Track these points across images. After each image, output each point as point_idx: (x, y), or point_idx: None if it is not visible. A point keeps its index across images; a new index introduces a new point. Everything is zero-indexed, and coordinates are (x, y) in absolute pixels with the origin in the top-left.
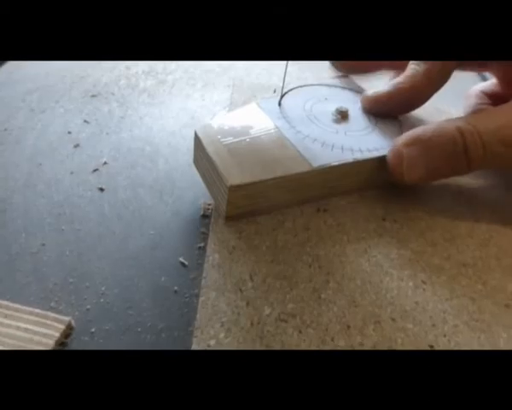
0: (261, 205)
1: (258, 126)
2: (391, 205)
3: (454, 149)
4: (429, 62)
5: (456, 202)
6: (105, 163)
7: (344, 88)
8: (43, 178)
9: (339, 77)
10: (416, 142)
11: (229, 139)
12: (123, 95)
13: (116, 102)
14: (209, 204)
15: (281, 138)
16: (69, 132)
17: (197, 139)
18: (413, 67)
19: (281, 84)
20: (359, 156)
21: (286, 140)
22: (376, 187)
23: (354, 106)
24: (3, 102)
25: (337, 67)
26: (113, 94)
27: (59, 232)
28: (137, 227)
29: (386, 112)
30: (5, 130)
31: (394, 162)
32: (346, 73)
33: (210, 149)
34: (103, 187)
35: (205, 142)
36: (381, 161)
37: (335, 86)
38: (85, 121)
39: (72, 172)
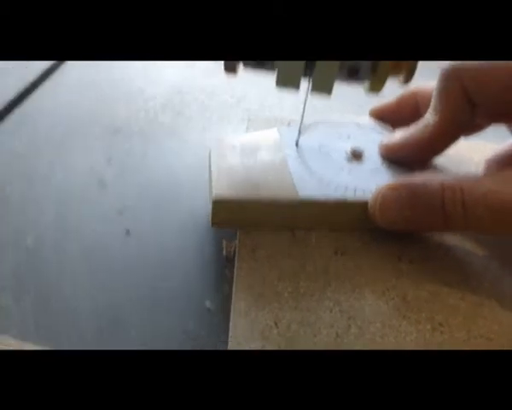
0: (246, 221)
1: (267, 150)
2: (405, 245)
3: (431, 203)
4: (442, 115)
5: (467, 239)
6: (130, 205)
7: (373, 129)
8: (71, 222)
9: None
10: (398, 187)
11: (236, 157)
12: (143, 130)
13: (137, 137)
14: (231, 245)
15: (282, 165)
16: (93, 171)
17: (210, 152)
18: (427, 116)
19: (294, 117)
20: (350, 196)
21: (286, 168)
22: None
23: (375, 148)
24: (28, 139)
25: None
26: (134, 130)
27: (91, 278)
28: (164, 271)
29: (400, 160)
30: (32, 167)
31: (371, 202)
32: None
33: (214, 163)
34: (129, 230)
35: (213, 155)
36: None
37: (364, 126)
38: (108, 159)
39: (99, 215)
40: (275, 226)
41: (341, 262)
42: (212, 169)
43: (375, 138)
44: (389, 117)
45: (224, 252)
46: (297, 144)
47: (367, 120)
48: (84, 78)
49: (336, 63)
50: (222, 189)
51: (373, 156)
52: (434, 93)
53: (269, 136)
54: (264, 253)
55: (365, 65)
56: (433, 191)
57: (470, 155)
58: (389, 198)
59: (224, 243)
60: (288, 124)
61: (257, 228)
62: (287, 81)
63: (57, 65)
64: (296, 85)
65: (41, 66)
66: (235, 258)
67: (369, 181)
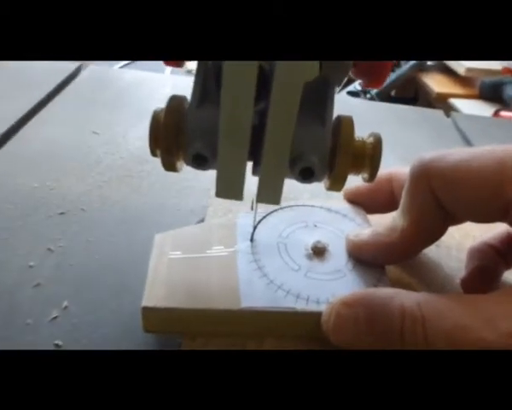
0: (185, 329)
1: (217, 245)
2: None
3: (389, 330)
4: (410, 219)
5: None
6: (65, 307)
7: (345, 216)
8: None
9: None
10: (354, 304)
11: (178, 254)
12: (93, 210)
13: (85, 220)
14: None
15: (229, 265)
16: (31, 266)
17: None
18: (395, 218)
19: None
20: (300, 307)
21: (234, 268)
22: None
23: (342, 241)
24: None
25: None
26: (82, 210)
27: None
28: None
29: (367, 259)
30: None
31: (324, 318)
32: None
33: (152, 262)
34: (60, 343)
35: (153, 252)
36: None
37: (337, 212)
38: (49, 249)
39: (28, 324)
40: (219, 335)
41: None
42: (148, 274)
43: (345, 228)
44: (363, 201)
45: None
46: (252, 239)
47: (339, 204)
48: (38, 148)
49: (285, 169)
50: (151, 298)
51: (338, 252)
52: (403, 193)
53: (223, 226)
54: None
55: (319, 166)
56: (390, 319)
57: (451, 230)
58: (344, 317)
59: None
60: (252, 202)
61: (202, 336)
62: (227, 192)
63: (8, 135)
64: (238, 197)
65: None
66: None
67: (326, 287)
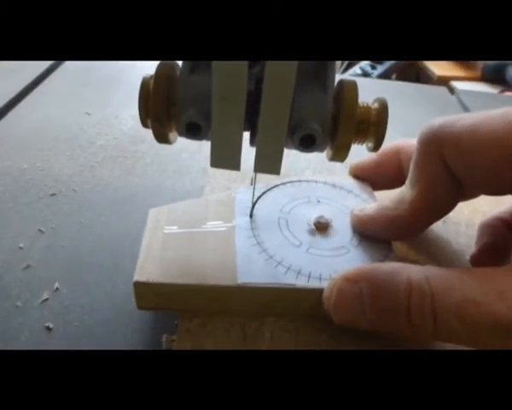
0: (177, 305)
1: (214, 220)
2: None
3: (395, 306)
4: (418, 191)
5: None
6: (57, 289)
7: (350, 191)
8: None
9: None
10: (357, 279)
11: (173, 229)
12: (85, 191)
13: (77, 201)
14: (173, 339)
15: (227, 240)
16: (20, 248)
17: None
18: (403, 190)
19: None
20: (300, 284)
21: (231, 244)
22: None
23: (346, 217)
24: None
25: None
26: (74, 191)
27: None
28: None
29: (372, 235)
30: None
31: (325, 295)
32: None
33: (146, 236)
34: (51, 326)
35: (147, 227)
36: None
37: (341, 188)
38: (40, 230)
39: (17, 306)
40: (216, 312)
41: None
42: (141, 246)
43: (350, 204)
44: (370, 177)
45: (164, 347)
46: (251, 215)
47: (344, 180)
48: (28, 129)
49: (283, 136)
50: (144, 273)
51: (342, 228)
52: (411, 163)
53: (221, 201)
54: None
55: (321, 133)
56: (399, 291)
57: (460, 205)
58: (347, 294)
59: (165, 337)
60: (251, 179)
61: (199, 317)
62: (223, 161)
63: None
64: (235, 166)
65: None
66: None
67: (329, 264)
